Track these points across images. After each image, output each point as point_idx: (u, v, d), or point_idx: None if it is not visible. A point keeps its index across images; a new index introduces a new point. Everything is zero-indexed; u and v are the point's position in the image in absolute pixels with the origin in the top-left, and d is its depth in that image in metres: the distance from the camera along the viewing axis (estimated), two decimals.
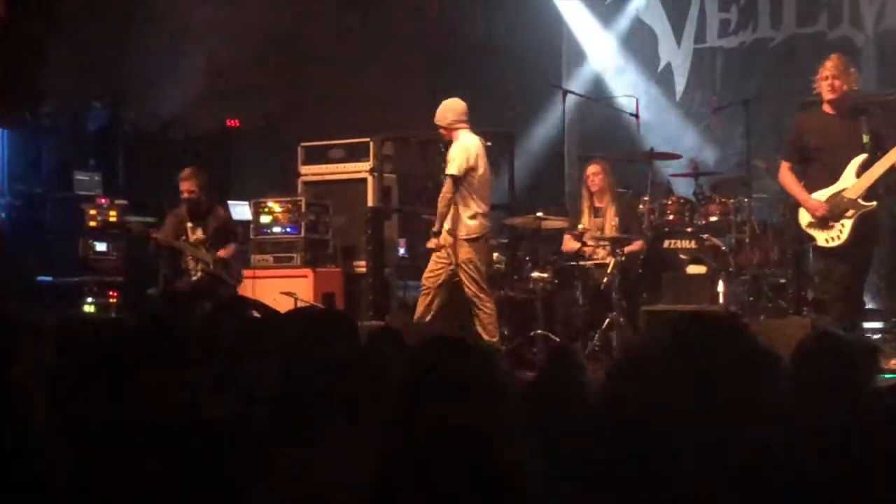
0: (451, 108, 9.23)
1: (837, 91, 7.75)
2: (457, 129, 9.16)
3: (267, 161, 13.19)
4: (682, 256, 9.51)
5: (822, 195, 7.82)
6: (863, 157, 7.73)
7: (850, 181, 7.75)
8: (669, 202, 10.02)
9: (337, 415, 3.03)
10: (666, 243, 9.63)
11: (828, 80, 7.82)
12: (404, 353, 3.16)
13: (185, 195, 10.16)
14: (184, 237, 10.20)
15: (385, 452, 2.38)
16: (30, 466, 2.51)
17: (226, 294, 9.79)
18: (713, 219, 9.85)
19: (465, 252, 9.03)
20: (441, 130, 9.27)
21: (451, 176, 9.02)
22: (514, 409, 2.40)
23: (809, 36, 12.22)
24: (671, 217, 9.95)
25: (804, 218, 7.93)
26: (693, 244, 9.54)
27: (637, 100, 10.80)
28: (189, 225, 10.22)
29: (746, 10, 12.65)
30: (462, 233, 9.04)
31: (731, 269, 9.41)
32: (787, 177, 8.08)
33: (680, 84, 13.08)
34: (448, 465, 2.25)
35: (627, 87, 12.38)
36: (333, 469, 2.73)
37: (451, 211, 9.06)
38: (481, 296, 9.04)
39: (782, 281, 9.68)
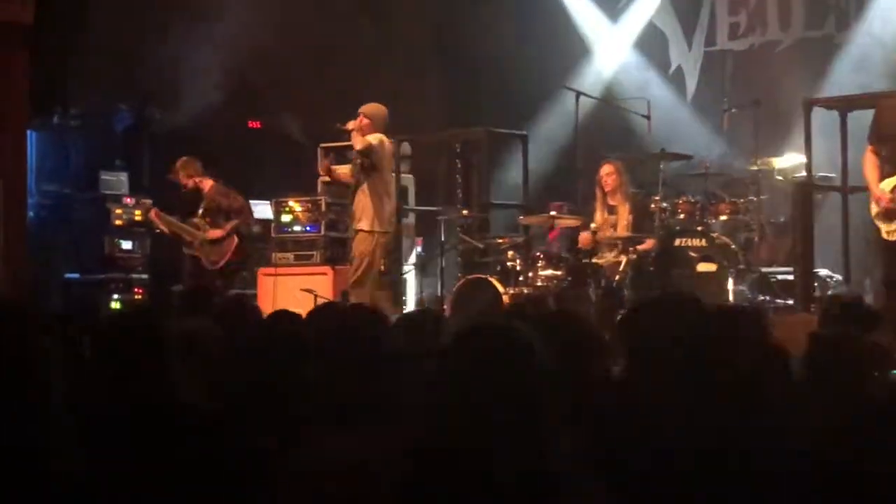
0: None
1: None
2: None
3: (287, 161, 13.21)
4: (692, 254, 9.49)
5: (888, 184, 7.66)
6: None
7: None
8: (681, 201, 10.00)
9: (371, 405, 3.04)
10: (677, 241, 9.61)
11: None
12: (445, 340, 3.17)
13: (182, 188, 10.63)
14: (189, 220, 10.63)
15: (420, 440, 2.39)
16: (52, 460, 2.51)
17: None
18: (723, 218, 9.84)
19: None
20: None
21: None
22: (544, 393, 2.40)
23: (817, 39, 12.20)
24: (682, 216, 9.93)
25: (873, 207, 7.75)
26: (703, 242, 9.52)
27: (648, 101, 10.80)
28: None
29: (756, 13, 12.62)
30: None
31: (740, 267, 9.40)
32: (866, 160, 7.86)
33: (691, 86, 13.07)
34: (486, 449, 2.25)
35: (639, 89, 12.35)
36: (367, 456, 2.74)
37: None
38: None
39: (790, 278, 9.66)
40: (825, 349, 3.29)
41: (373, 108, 9.55)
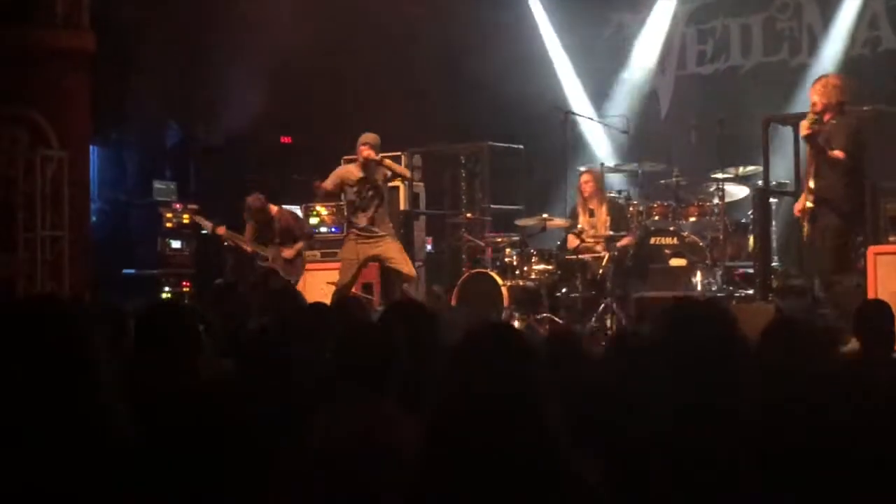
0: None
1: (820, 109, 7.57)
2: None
3: (315, 171, 13.22)
4: (666, 251, 9.54)
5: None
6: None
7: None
8: (655, 205, 10.04)
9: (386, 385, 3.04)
10: (652, 240, 9.66)
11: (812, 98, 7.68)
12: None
13: (253, 209, 10.48)
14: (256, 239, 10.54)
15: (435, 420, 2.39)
16: (109, 445, 2.49)
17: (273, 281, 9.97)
18: (692, 219, 9.87)
19: None
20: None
21: None
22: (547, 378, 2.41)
23: (773, 63, 12.21)
24: (657, 217, 9.97)
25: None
26: (675, 240, 9.57)
27: (627, 119, 10.83)
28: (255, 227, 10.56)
29: (720, 41, 12.65)
30: None
31: (707, 262, 9.43)
32: None
33: (664, 106, 13.08)
34: (496, 430, 2.26)
35: (619, 108, 12.39)
36: (385, 431, 2.74)
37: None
38: None
39: (751, 271, 9.67)
40: (781, 329, 3.30)
41: (373, 137, 9.30)
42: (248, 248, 10.50)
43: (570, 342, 3.75)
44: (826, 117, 7.56)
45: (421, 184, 11.81)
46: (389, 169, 9.36)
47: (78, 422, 2.41)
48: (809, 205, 7.68)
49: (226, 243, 10.80)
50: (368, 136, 9.27)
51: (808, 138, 7.54)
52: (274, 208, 10.63)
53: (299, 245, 10.55)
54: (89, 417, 2.43)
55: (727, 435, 2.55)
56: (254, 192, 10.60)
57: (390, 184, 9.67)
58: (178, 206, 11.79)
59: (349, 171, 9.41)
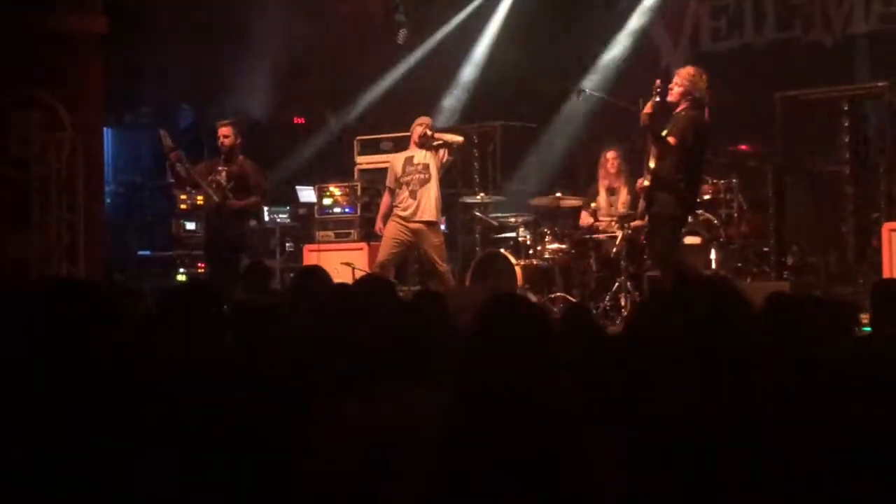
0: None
1: (676, 96, 7.69)
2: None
3: (328, 152, 13.21)
4: None
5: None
6: None
7: None
8: None
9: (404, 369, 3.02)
10: None
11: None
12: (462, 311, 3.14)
13: (221, 140, 9.54)
14: (210, 177, 9.44)
15: (454, 404, 2.37)
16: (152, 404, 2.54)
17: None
18: (707, 197, 9.79)
19: None
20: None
21: None
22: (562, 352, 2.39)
23: (787, 40, 12.10)
24: None
25: None
26: (689, 219, 9.49)
27: (641, 99, 10.73)
28: (220, 168, 9.49)
29: (734, 18, 12.53)
30: None
31: (721, 240, 9.37)
32: None
33: None
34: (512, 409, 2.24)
35: (634, 87, 12.28)
36: (404, 417, 2.72)
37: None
38: None
39: (766, 249, 9.62)
40: (782, 309, 3.25)
41: (428, 119, 9.57)
42: (201, 183, 9.44)
43: (584, 318, 3.71)
44: (680, 107, 7.65)
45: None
46: (440, 140, 9.36)
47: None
48: (646, 183, 7.77)
49: (176, 168, 9.52)
50: (423, 118, 9.51)
51: (648, 118, 7.62)
52: (241, 157, 9.62)
53: (251, 199, 9.52)
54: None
55: (734, 401, 2.52)
56: (230, 125, 9.66)
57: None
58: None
59: (395, 158, 9.57)
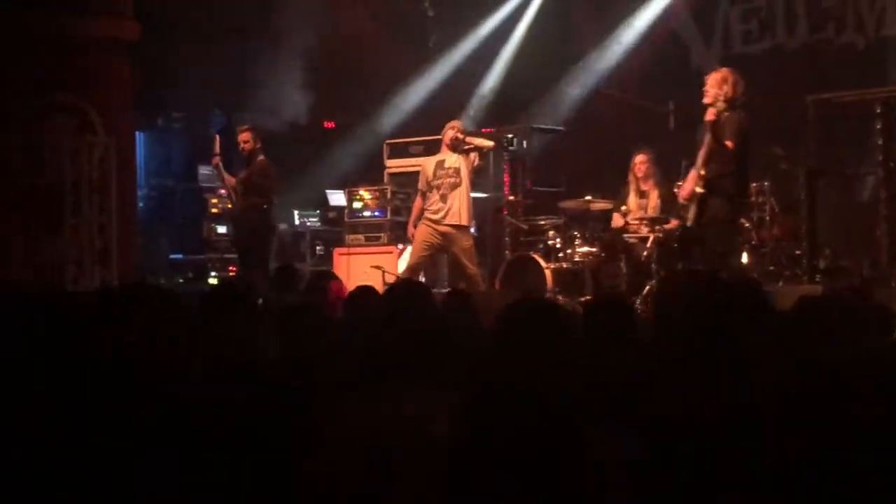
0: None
1: (712, 98, 7.75)
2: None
3: (358, 156, 13.22)
4: None
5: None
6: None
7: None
8: None
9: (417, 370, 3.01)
10: None
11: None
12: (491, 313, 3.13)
13: (241, 145, 10.01)
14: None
15: (466, 406, 2.36)
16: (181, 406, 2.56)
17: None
18: None
19: None
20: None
21: None
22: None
23: (819, 42, 12.00)
24: None
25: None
26: None
27: (671, 102, 10.70)
28: (240, 172, 10.14)
29: (766, 21, 12.44)
30: None
31: (753, 243, 9.30)
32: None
33: None
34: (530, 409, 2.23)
35: (664, 90, 12.22)
36: (414, 419, 2.71)
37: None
38: None
39: (798, 252, 9.54)
40: (811, 312, 3.21)
41: (459, 122, 9.67)
42: (228, 188, 10.22)
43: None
44: (718, 109, 7.71)
45: None
46: (471, 144, 9.38)
47: None
48: (700, 190, 7.79)
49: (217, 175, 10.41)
50: (455, 122, 9.59)
51: (712, 125, 7.68)
52: (262, 157, 10.04)
53: (252, 200, 9.89)
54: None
55: (757, 417, 2.49)
56: (248, 130, 10.07)
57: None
58: (222, 191, 11.55)
59: (427, 162, 9.62)
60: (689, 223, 8.08)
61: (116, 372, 2.73)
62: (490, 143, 9.66)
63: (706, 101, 7.78)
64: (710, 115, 7.67)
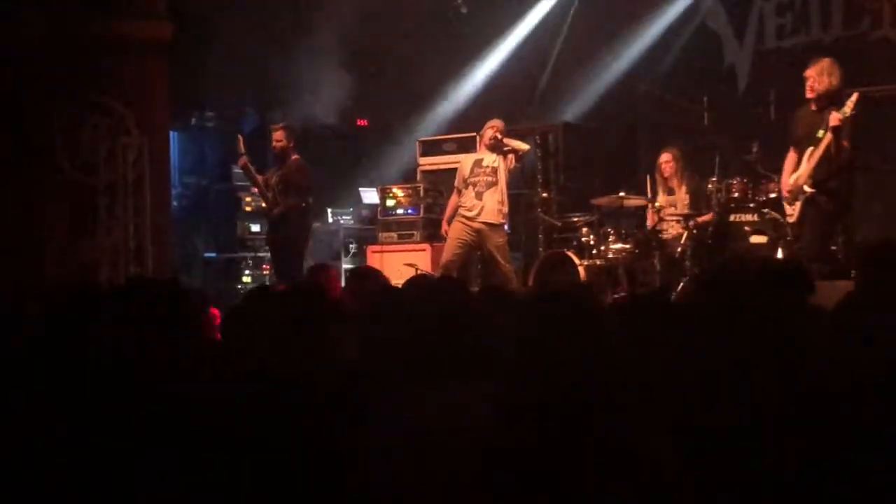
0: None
1: (814, 91, 7.74)
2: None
3: (391, 154, 13.24)
4: (746, 228, 9.34)
5: (794, 178, 7.94)
6: (811, 148, 7.78)
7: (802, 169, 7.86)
8: (734, 182, 9.83)
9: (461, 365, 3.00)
10: (732, 217, 9.47)
11: (808, 82, 7.81)
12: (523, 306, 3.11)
13: (274, 144, 10.00)
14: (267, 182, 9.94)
15: (506, 399, 2.36)
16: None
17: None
18: (772, 195, 9.63)
19: None
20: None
21: None
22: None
23: (854, 37, 11.89)
24: (736, 194, 9.76)
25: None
26: (755, 217, 9.36)
27: (705, 97, 10.62)
28: (273, 172, 10.01)
29: (800, 15, 12.34)
30: None
31: (788, 238, 9.22)
32: (787, 158, 8.16)
33: (742, 81, 12.80)
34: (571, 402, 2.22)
35: (696, 85, 12.14)
36: (457, 412, 2.70)
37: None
38: None
39: (833, 248, 9.44)
40: (854, 310, 3.17)
41: (500, 121, 9.65)
42: (259, 188, 10.01)
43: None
44: (820, 104, 7.77)
45: None
46: (510, 145, 9.42)
47: None
48: (809, 189, 7.79)
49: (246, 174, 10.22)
50: (495, 121, 9.59)
51: (836, 129, 7.62)
52: (296, 156, 9.99)
53: (289, 202, 9.78)
54: None
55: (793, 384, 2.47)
56: (282, 129, 10.01)
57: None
58: (256, 190, 11.53)
59: (465, 159, 9.72)
60: (790, 220, 8.07)
61: (116, 372, 2.73)
62: (526, 147, 9.69)
63: (809, 95, 7.72)
64: (834, 120, 7.58)
